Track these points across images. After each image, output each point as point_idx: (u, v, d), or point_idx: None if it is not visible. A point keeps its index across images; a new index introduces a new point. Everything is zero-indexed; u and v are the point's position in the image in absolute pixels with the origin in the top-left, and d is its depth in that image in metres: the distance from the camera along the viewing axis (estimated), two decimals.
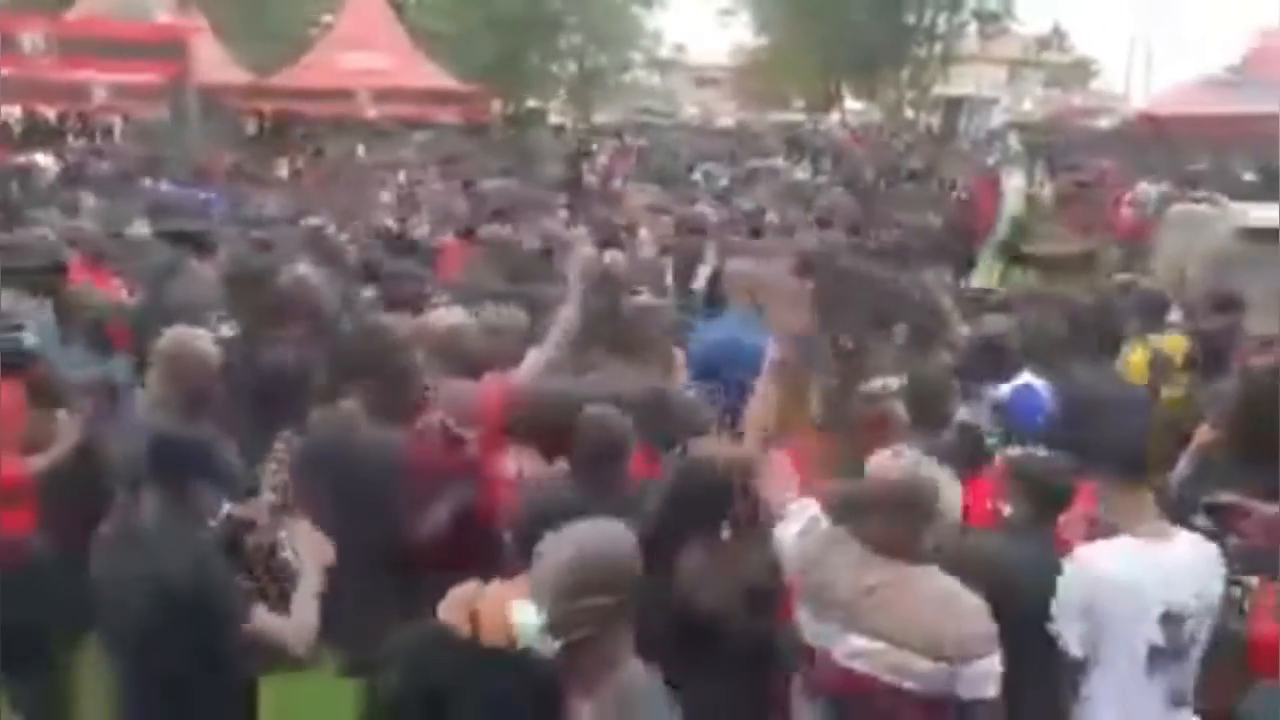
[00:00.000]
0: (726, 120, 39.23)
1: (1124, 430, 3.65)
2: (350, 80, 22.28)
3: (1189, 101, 27.53)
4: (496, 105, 31.09)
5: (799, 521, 3.28)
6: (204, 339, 4.19)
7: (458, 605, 2.90)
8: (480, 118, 26.16)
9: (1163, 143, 24.22)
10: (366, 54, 22.83)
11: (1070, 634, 3.26)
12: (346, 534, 3.44)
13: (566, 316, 4.38)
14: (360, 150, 20.40)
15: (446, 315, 4.69)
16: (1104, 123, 33.37)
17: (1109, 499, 3.39)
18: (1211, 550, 3.36)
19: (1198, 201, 9.96)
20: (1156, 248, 9.42)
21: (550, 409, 3.87)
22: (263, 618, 3.18)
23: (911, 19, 38.32)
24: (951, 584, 3.02)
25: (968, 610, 2.97)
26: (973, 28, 40.10)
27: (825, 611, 3.09)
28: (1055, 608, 3.28)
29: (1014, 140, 23.96)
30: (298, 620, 3.21)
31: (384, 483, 3.82)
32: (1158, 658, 3.22)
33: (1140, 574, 3.20)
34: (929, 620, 2.93)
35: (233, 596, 3.15)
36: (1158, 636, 3.20)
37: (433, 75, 24.35)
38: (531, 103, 37.65)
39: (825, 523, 3.25)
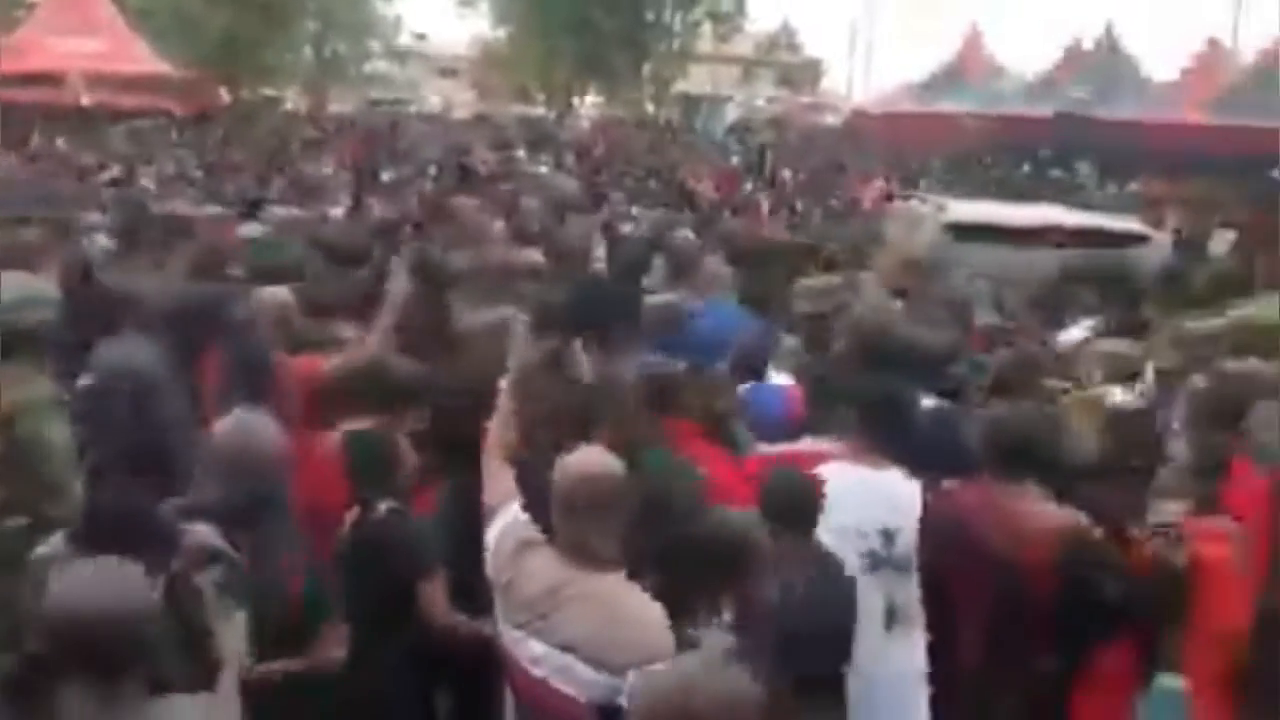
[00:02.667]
0: (467, 111, 38.89)
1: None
2: (60, 64, 20.74)
3: (900, 101, 29.44)
4: (225, 93, 29.69)
5: (503, 521, 3.18)
6: None
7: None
8: (206, 106, 24.89)
9: (878, 141, 25.73)
10: (78, 38, 21.32)
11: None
12: None
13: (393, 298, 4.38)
14: (60, 141, 18.81)
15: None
16: (830, 121, 35.14)
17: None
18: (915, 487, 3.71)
19: (908, 199, 10.63)
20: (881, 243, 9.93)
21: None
22: None
23: (649, 15, 39.04)
24: (631, 593, 2.94)
25: (640, 620, 2.88)
26: (707, 26, 41.23)
27: (511, 614, 3.03)
28: None
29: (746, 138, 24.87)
30: None
31: None
32: (880, 565, 3.55)
33: (860, 491, 3.51)
34: (599, 629, 2.86)
35: None
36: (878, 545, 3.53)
37: (153, 61, 22.98)
38: (265, 91, 36.17)
39: (527, 524, 3.13)
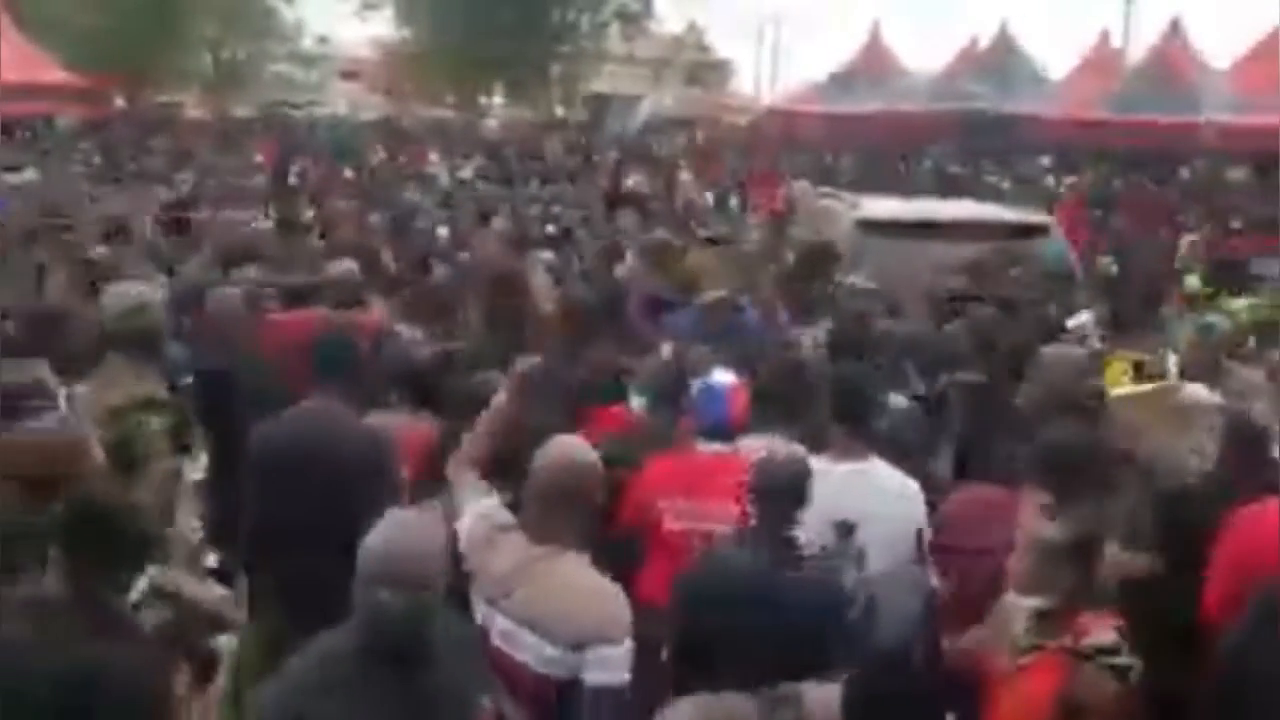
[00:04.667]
0: (373, 114, 38.41)
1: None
2: None
3: (807, 101, 29.81)
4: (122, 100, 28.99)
5: (472, 512, 3.33)
6: None
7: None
8: (102, 114, 24.27)
9: (786, 139, 26.04)
10: None
11: None
12: None
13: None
14: None
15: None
16: (740, 121, 35.41)
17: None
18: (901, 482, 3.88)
19: (821, 196, 10.80)
20: (791, 239, 10.06)
21: None
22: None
23: (555, 16, 38.96)
24: (590, 574, 3.11)
25: (597, 598, 3.05)
26: (615, 27, 41.26)
27: (482, 590, 3.18)
28: None
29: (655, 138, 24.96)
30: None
31: None
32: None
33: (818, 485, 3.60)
34: (561, 606, 3.00)
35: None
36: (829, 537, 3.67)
37: (46, 67, 22.29)
38: (163, 97, 35.32)
39: (498, 509, 3.31)
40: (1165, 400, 4.77)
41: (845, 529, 3.74)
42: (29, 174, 14.66)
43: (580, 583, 3.07)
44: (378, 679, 2.59)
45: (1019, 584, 3.06)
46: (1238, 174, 19.59)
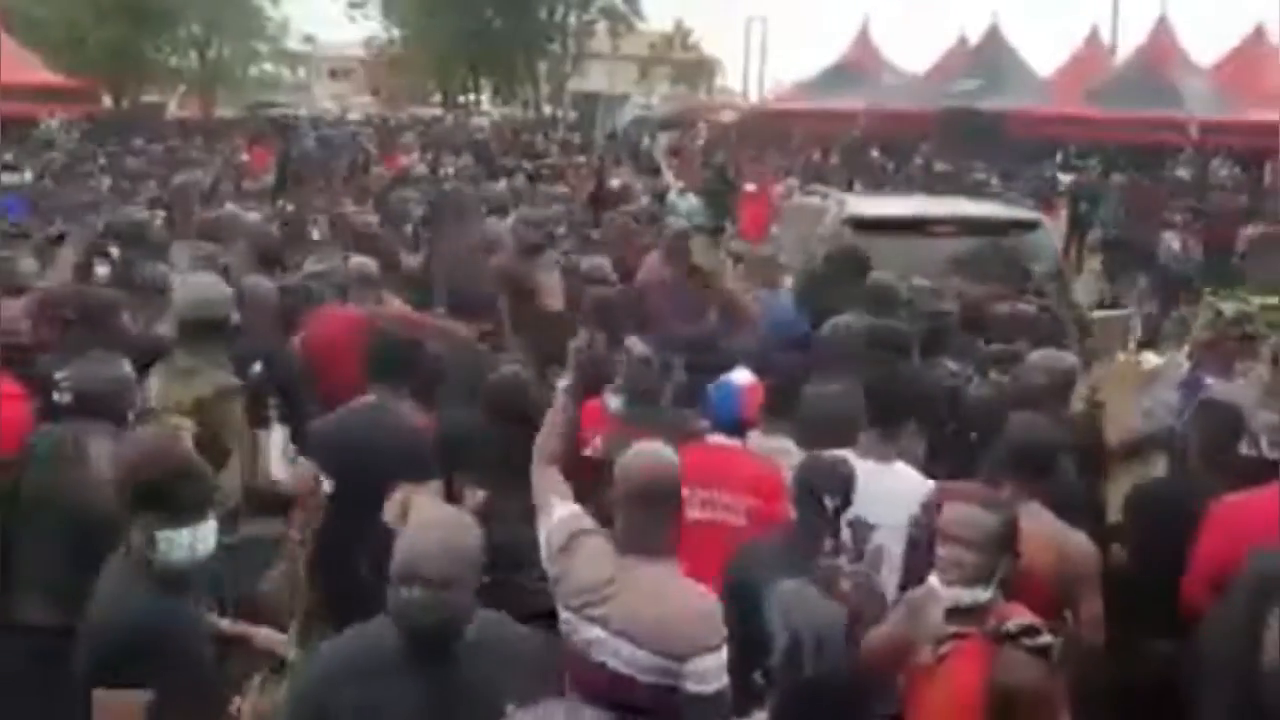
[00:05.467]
0: (361, 113, 38.38)
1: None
2: None
3: (795, 99, 29.87)
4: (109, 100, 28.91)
5: (554, 517, 3.34)
6: None
7: (393, 503, 3.82)
8: (90, 114, 24.19)
9: (775, 136, 26.06)
10: None
11: None
12: None
13: None
14: None
15: None
16: (726, 118, 35.46)
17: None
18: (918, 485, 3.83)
19: (809, 193, 10.81)
20: (778, 237, 10.08)
21: None
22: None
23: (543, 15, 38.97)
24: (684, 581, 3.12)
25: (695, 607, 3.06)
26: (602, 25, 41.30)
27: (566, 599, 3.18)
28: None
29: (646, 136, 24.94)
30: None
31: None
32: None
33: None
34: (656, 615, 3.02)
35: None
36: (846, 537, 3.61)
37: (34, 69, 22.20)
38: (149, 97, 35.24)
39: (579, 516, 3.32)
40: (1131, 369, 4.91)
41: (864, 528, 3.72)
42: (27, 174, 14.65)
43: (675, 592, 3.09)
44: (397, 674, 2.63)
45: (959, 575, 3.06)
46: (1225, 169, 19.69)
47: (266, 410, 4.56)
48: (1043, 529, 3.63)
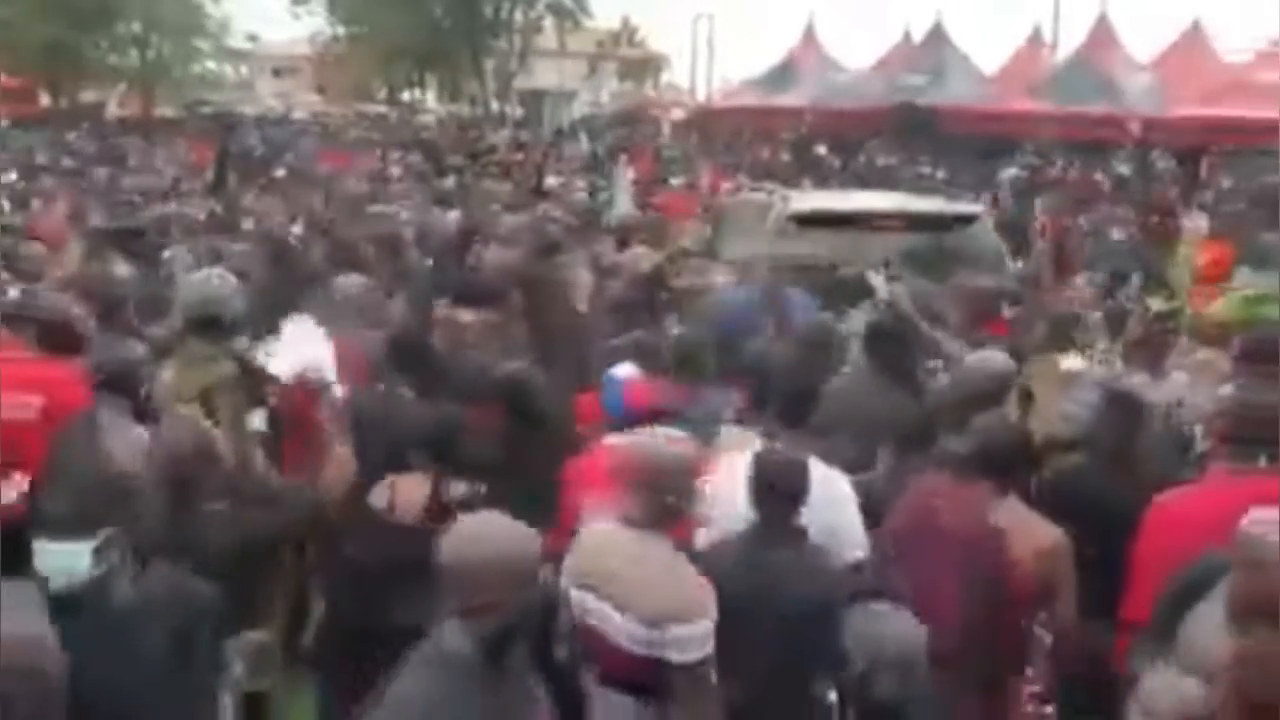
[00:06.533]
0: (305, 112, 37.96)
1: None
2: None
3: (741, 96, 29.95)
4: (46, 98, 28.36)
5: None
6: None
7: (383, 488, 3.92)
8: (27, 113, 23.72)
9: (724, 133, 26.12)
10: None
11: None
12: None
13: None
14: None
15: None
16: (676, 115, 35.49)
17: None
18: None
19: (755, 190, 10.80)
20: (718, 233, 10.03)
21: None
22: None
23: (489, 11, 38.77)
24: (672, 555, 3.23)
25: (682, 578, 3.18)
26: (549, 22, 41.14)
27: (575, 577, 3.30)
28: None
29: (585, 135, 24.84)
30: None
31: None
32: None
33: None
34: (646, 586, 3.14)
35: None
36: None
37: None
38: (88, 96, 34.66)
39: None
40: (1051, 370, 4.99)
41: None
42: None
43: (660, 563, 3.19)
44: (450, 689, 2.53)
45: None
46: (1167, 164, 19.95)
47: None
48: (1023, 524, 3.68)
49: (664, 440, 3.40)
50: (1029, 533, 3.69)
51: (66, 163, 16.47)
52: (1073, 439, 4.31)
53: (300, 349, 4.65)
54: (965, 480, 3.79)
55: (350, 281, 5.85)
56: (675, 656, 3.08)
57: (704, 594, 3.15)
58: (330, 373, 4.67)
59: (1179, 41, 22.55)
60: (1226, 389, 3.90)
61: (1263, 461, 3.54)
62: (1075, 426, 4.38)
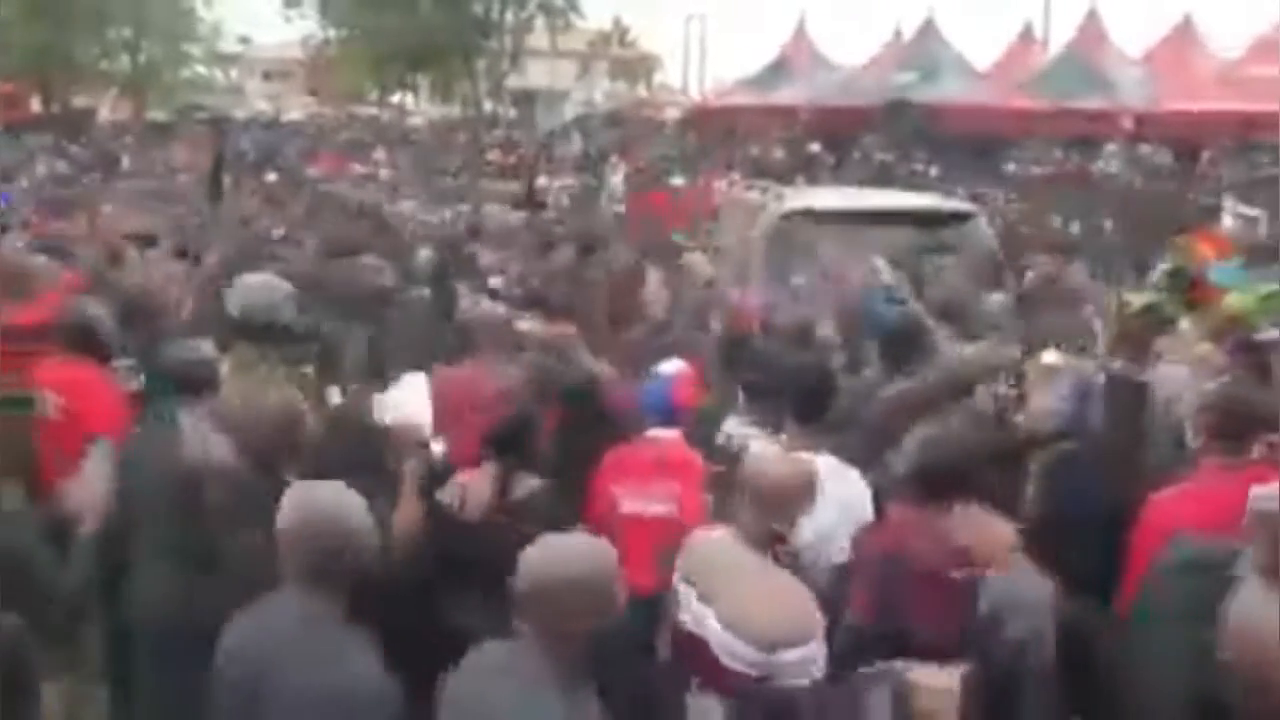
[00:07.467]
0: (298, 114, 37.91)
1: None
2: None
3: (734, 95, 29.95)
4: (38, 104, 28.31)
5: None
6: None
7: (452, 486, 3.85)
8: (18, 118, 23.67)
9: (717, 133, 26.11)
10: None
11: None
12: None
13: None
14: None
15: None
16: (670, 114, 35.50)
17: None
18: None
19: (750, 188, 10.81)
20: (716, 231, 10.05)
21: None
22: None
23: (479, 10, 38.67)
24: (786, 577, 3.20)
25: (792, 602, 3.15)
26: (541, 22, 41.05)
27: (688, 593, 3.24)
28: None
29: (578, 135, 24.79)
30: None
31: None
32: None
33: None
34: (756, 609, 3.10)
35: None
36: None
37: None
38: (79, 100, 34.57)
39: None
40: (1034, 365, 5.00)
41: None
42: None
43: (775, 588, 3.16)
44: (533, 704, 2.49)
45: None
46: (1157, 156, 19.97)
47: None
48: (982, 531, 3.52)
49: (794, 456, 3.40)
50: (991, 539, 3.49)
51: (60, 167, 16.44)
52: (1055, 433, 4.30)
53: (401, 407, 4.39)
54: (916, 504, 3.54)
55: (485, 310, 5.66)
56: (786, 679, 3.04)
57: (814, 615, 3.14)
58: (426, 430, 4.32)
59: (1170, 36, 22.60)
60: (1210, 384, 3.91)
61: (1255, 453, 3.56)
62: (1057, 420, 4.38)
